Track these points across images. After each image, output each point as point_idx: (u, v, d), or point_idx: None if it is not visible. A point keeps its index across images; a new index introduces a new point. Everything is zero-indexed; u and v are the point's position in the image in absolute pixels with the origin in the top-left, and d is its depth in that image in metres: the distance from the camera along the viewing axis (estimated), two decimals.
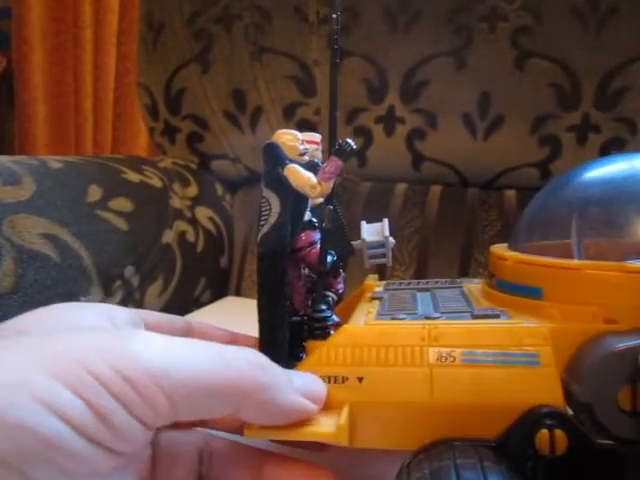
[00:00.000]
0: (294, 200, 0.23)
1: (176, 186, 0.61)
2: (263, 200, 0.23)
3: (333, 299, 0.25)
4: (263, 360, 0.19)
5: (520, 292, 0.23)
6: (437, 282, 0.30)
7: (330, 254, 0.24)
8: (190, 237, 0.59)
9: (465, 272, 0.54)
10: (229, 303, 0.59)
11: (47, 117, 1.26)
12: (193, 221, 0.60)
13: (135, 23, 0.87)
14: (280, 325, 0.23)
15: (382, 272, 0.53)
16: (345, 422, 0.19)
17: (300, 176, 0.23)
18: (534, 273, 0.22)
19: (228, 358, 0.18)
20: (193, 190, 0.63)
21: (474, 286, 0.28)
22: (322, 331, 0.23)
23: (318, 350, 0.21)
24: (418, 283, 0.30)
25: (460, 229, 0.57)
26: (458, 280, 0.30)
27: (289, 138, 0.24)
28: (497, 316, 0.22)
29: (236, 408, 0.18)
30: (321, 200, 0.24)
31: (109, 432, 0.15)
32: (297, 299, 0.24)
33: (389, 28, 0.55)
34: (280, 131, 0.24)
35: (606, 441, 0.18)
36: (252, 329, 0.24)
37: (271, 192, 0.23)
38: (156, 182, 0.58)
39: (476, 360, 0.20)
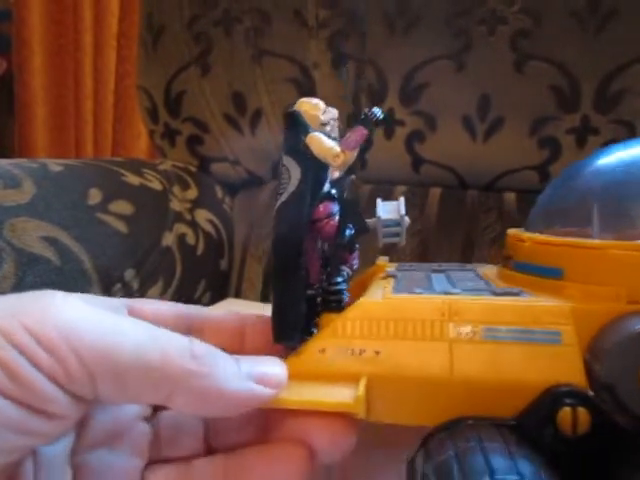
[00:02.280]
0: (314, 169, 0.22)
1: (176, 189, 0.61)
2: (283, 168, 0.22)
3: (348, 273, 0.24)
4: (199, 348, 0.18)
5: (539, 273, 0.22)
6: (450, 265, 0.29)
7: (348, 227, 0.23)
8: (190, 240, 0.59)
9: None
10: (229, 305, 0.59)
11: (47, 120, 1.26)
12: (193, 224, 0.60)
13: (135, 26, 0.87)
14: (296, 297, 0.21)
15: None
16: (363, 393, 0.19)
17: (323, 144, 0.21)
18: (554, 253, 0.22)
19: (157, 339, 0.17)
20: (193, 193, 0.63)
21: (488, 270, 0.27)
22: (338, 304, 0.22)
23: (333, 323, 0.21)
24: (431, 265, 0.29)
25: (460, 231, 0.57)
26: (469, 265, 0.29)
27: (312, 107, 0.22)
28: (518, 294, 0.21)
29: (166, 395, 0.17)
30: (339, 175, 0.23)
31: (17, 386, 0.15)
32: (312, 272, 0.23)
33: (388, 31, 0.55)
34: (302, 100, 0.23)
35: (629, 420, 0.18)
36: None
37: (291, 160, 0.22)
38: (156, 185, 0.58)
39: (497, 337, 0.19)
